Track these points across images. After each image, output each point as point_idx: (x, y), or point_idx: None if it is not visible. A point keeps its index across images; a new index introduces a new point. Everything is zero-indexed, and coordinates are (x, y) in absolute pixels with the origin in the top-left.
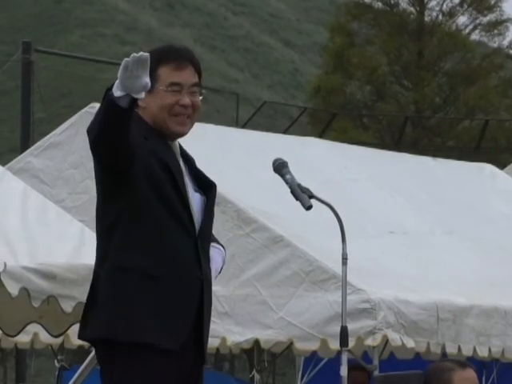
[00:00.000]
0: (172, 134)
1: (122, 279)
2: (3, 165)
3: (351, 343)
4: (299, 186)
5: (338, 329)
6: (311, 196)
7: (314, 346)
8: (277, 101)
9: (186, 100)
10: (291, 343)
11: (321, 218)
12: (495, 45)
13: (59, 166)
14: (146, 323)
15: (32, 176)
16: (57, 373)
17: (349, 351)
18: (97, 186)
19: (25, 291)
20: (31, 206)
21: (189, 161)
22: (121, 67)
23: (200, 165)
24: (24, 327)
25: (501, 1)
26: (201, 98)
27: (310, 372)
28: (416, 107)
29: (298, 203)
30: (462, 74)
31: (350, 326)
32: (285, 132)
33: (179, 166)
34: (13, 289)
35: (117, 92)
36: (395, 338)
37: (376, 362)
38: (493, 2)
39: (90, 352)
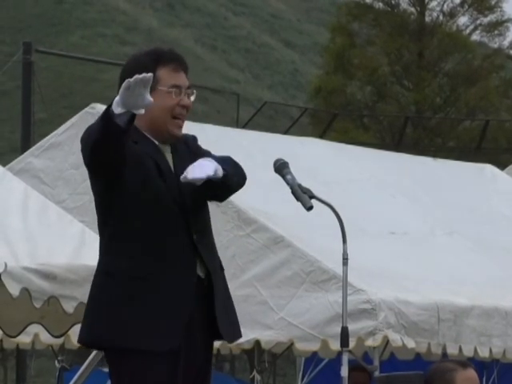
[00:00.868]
0: (170, 136)
1: (107, 283)
2: (4, 165)
3: (352, 344)
4: (300, 186)
5: (338, 329)
6: (312, 196)
7: (314, 346)
8: (277, 101)
9: (187, 101)
10: (292, 344)
11: (321, 219)
12: (496, 45)
13: (60, 167)
14: (130, 327)
15: (33, 176)
16: (57, 373)
17: (349, 352)
18: (94, 197)
19: (26, 292)
20: (32, 207)
21: (188, 147)
22: (122, 87)
23: None
24: (25, 328)
25: (501, 1)
26: (194, 96)
27: (310, 372)
28: (416, 108)
29: (298, 204)
30: (463, 74)
31: (351, 327)
32: (285, 132)
33: (169, 166)
34: (13, 289)
35: (117, 109)
36: (396, 339)
37: (377, 362)
38: (493, 3)
39: (90, 353)
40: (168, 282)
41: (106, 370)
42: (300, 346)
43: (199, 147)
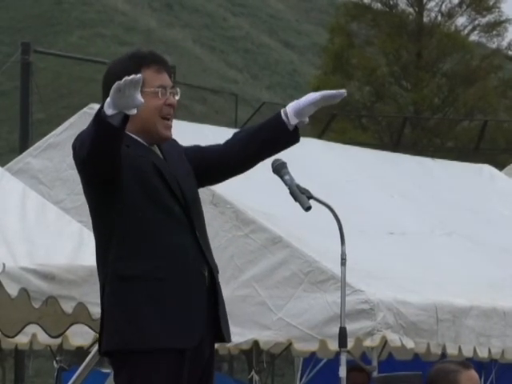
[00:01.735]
0: (160, 138)
1: (125, 288)
2: (2, 165)
3: (350, 344)
4: (298, 186)
5: (336, 329)
6: (310, 197)
7: (312, 346)
8: (276, 101)
9: (172, 100)
10: (290, 344)
11: (320, 219)
12: (494, 46)
13: (58, 167)
14: (156, 328)
15: (31, 177)
16: (55, 373)
17: (348, 352)
18: (88, 204)
19: (24, 292)
20: (30, 207)
21: (176, 152)
22: (113, 89)
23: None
24: (23, 328)
25: (500, 1)
26: (178, 96)
27: (308, 373)
28: (415, 108)
29: (297, 204)
30: (461, 74)
31: (349, 327)
32: None
33: (165, 163)
34: (12, 290)
35: (108, 110)
36: (394, 339)
37: (375, 362)
38: (491, 3)
39: (88, 353)
40: (185, 281)
41: (104, 370)
42: (298, 346)
43: (182, 146)
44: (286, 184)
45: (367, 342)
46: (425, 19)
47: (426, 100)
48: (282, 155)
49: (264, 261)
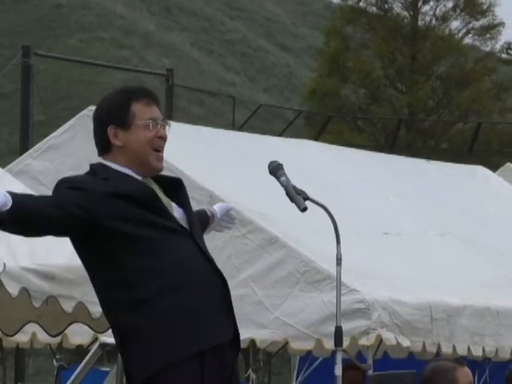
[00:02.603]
0: (152, 170)
1: (146, 311)
2: (3, 167)
3: (346, 343)
4: (294, 187)
5: (332, 329)
6: (306, 198)
7: (308, 345)
8: (273, 104)
9: (163, 132)
10: (286, 343)
11: (316, 220)
12: (488, 49)
13: (58, 168)
14: (189, 335)
15: (31, 178)
16: (55, 372)
17: (343, 351)
18: (83, 260)
19: (24, 291)
20: None
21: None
22: None
23: (196, 167)
24: (22, 327)
25: (493, 5)
26: (168, 128)
27: (305, 371)
28: (410, 110)
29: (293, 205)
30: (455, 77)
31: (345, 326)
32: (280, 135)
33: (148, 190)
34: (13, 289)
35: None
36: (390, 338)
37: (370, 361)
38: (485, 7)
39: (88, 352)
40: (202, 284)
41: (104, 368)
42: (294, 345)
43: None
44: (283, 185)
45: (362, 341)
46: (419, 23)
47: (421, 102)
48: (279, 157)
49: (261, 261)
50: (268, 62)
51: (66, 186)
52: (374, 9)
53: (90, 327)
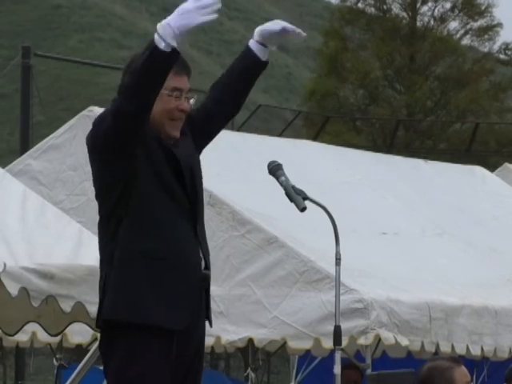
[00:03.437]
0: (167, 137)
1: (127, 261)
2: (3, 167)
3: (344, 342)
4: (293, 187)
5: (331, 328)
6: (305, 198)
7: (307, 344)
8: (272, 104)
9: (186, 105)
10: (285, 342)
11: (315, 220)
12: (486, 49)
13: (58, 168)
14: (151, 305)
15: (31, 178)
16: (55, 371)
17: (342, 350)
18: (99, 184)
19: (24, 291)
20: (30, 208)
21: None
22: (182, 9)
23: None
24: (22, 326)
25: (491, 6)
26: (193, 100)
27: (303, 370)
28: (408, 111)
29: (292, 205)
30: (454, 78)
31: (343, 326)
32: (279, 135)
33: (176, 158)
34: (12, 289)
35: (161, 44)
36: (388, 337)
37: (369, 360)
38: (483, 8)
39: (87, 351)
40: (182, 266)
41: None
42: (293, 344)
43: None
44: (282, 185)
45: (361, 340)
46: (418, 23)
47: (419, 103)
48: (278, 157)
49: (260, 260)
50: None
51: None
52: (372, 9)
53: (90, 326)
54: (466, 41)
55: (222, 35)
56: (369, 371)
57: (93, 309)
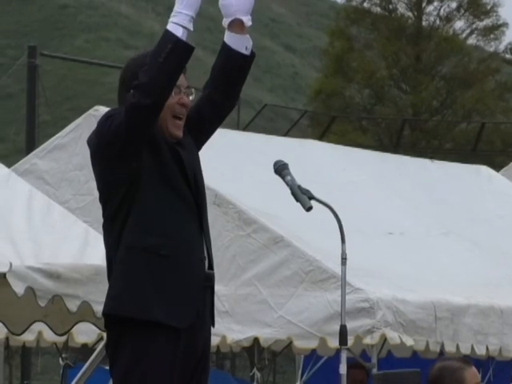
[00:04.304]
0: (170, 136)
1: (131, 258)
2: (9, 166)
3: (350, 342)
4: (299, 187)
5: (336, 327)
6: (311, 197)
7: (313, 344)
8: (277, 104)
9: (186, 99)
10: (291, 342)
11: (320, 219)
12: (491, 49)
13: (64, 168)
14: (155, 303)
15: (37, 177)
16: (61, 371)
17: (348, 349)
18: (103, 179)
19: (30, 290)
20: (36, 207)
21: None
22: None
23: (201, 167)
24: (29, 326)
25: (497, 6)
26: (193, 96)
27: (309, 370)
28: (414, 110)
29: (298, 204)
30: (459, 77)
31: (349, 325)
32: (285, 134)
33: (180, 156)
34: (18, 288)
35: (178, 32)
36: (394, 337)
37: (374, 360)
38: (489, 7)
39: (93, 350)
40: (187, 264)
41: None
42: (299, 343)
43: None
44: (288, 185)
45: (367, 340)
46: (423, 23)
47: (425, 102)
48: (284, 157)
49: (266, 260)
50: (273, 62)
51: None
52: (378, 9)
53: (96, 326)
54: (471, 40)
55: None
56: (374, 371)
57: (99, 308)
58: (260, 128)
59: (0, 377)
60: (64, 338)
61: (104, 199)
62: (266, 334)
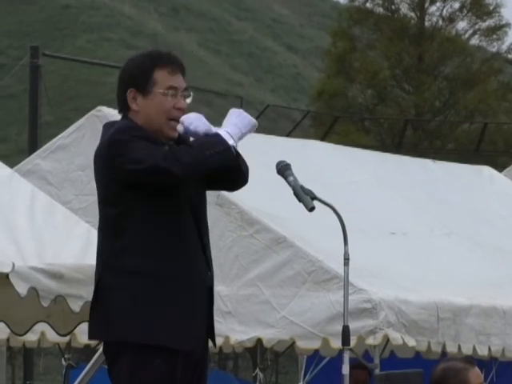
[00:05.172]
0: (165, 138)
1: (134, 282)
2: (11, 167)
3: (353, 342)
4: (302, 187)
5: (339, 328)
6: (314, 197)
7: (315, 344)
8: (280, 104)
9: (182, 103)
10: (293, 342)
11: (323, 220)
12: (494, 49)
13: (66, 168)
14: (159, 325)
15: (40, 178)
16: (64, 371)
17: (350, 350)
18: (101, 191)
19: (33, 291)
20: (39, 207)
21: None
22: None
23: None
24: (32, 326)
25: (500, 6)
26: (190, 98)
27: (312, 370)
28: (416, 111)
29: (300, 205)
30: (462, 78)
31: (352, 326)
32: (288, 135)
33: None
34: (21, 288)
35: (230, 140)
36: (396, 337)
37: (377, 360)
38: (492, 8)
39: (96, 351)
40: (194, 282)
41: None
42: (301, 344)
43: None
44: (290, 185)
45: (369, 340)
46: (426, 23)
47: (427, 103)
48: (286, 157)
49: (268, 260)
50: (275, 63)
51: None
52: (380, 9)
53: None
54: (474, 41)
55: (231, 35)
56: (377, 371)
57: None
58: (262, 128)
59: (3, 377)
60: (66, 339)
61: (103, 205)
62: (269, 335)
